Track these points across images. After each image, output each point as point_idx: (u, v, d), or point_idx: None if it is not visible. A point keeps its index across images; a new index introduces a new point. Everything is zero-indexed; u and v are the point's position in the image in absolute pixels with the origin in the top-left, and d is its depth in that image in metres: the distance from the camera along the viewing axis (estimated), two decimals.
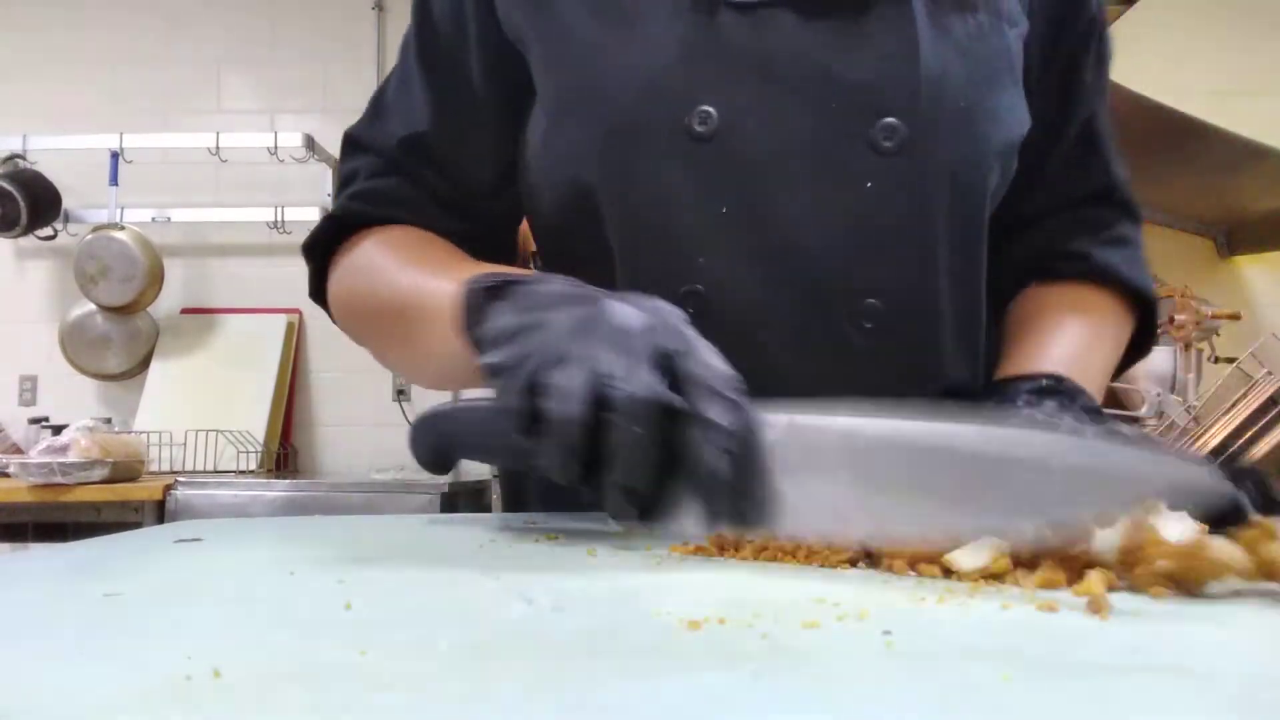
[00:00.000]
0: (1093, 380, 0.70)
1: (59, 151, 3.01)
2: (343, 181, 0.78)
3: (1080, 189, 0.80)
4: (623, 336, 0.47)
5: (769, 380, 0.66)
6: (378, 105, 0.78)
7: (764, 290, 0.66)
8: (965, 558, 0.41)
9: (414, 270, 0.69)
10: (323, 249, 0.77)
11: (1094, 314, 0.78)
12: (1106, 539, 0.39)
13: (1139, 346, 0.81)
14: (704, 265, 0.66)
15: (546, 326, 0.49)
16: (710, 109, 0.65)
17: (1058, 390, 0.65)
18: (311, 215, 3.05)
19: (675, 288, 0.66)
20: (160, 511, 2.41)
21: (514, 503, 0.81)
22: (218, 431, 2.81)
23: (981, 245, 0.73)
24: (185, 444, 2.80)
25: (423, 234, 0.74)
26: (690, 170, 0.66)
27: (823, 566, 0.43)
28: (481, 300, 0.54)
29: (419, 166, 0.75)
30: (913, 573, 0.42)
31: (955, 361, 0.72)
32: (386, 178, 0.75)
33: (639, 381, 0.44)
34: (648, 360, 0.45)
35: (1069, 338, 0.75)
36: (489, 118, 0.74)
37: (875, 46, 0.66)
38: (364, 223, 0.75)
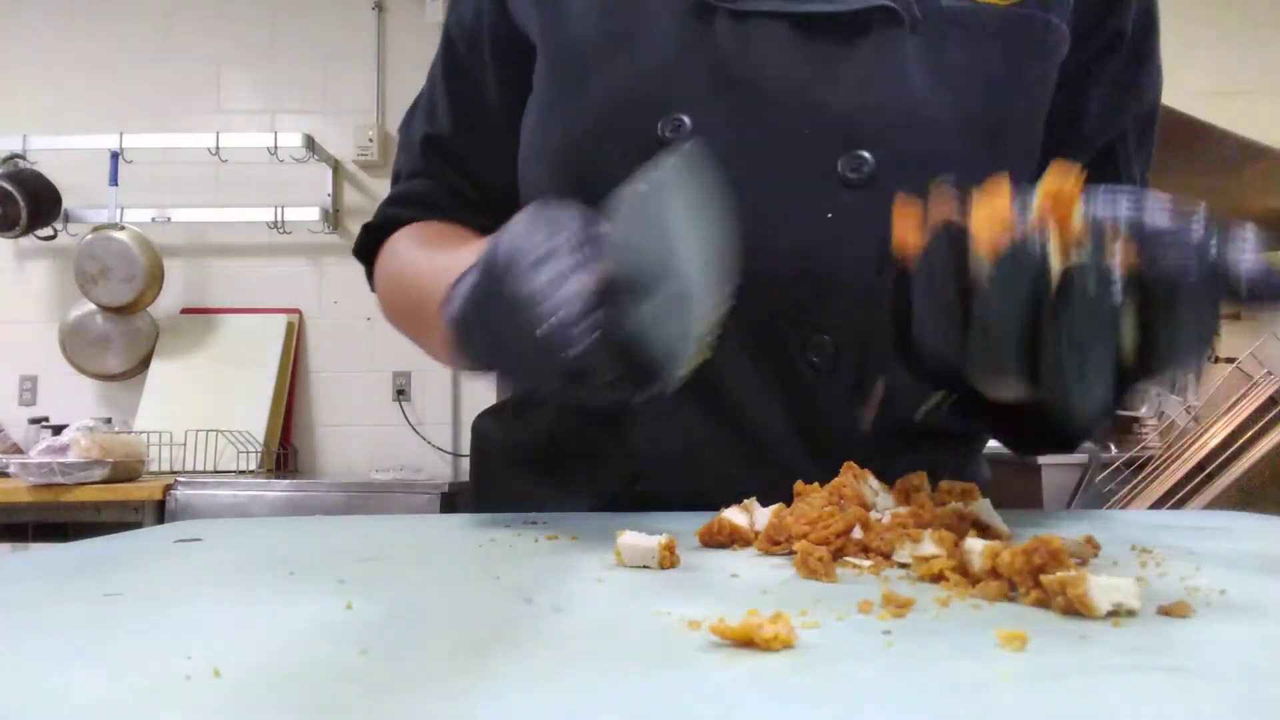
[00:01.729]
0: None
1: (59, 151, 3.01)
2: (393, 178, 0.83)
3: None
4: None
5: (724, 404, 0.66)
6: (416, 103, 0.82)
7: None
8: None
9: (437, 256, 0.70)
10: (367, 253, 0.81)
11: None
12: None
13: None
14: None
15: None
16: (684, 117, 0.64)
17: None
18: (312, 215, 3.06)
19: None
20: (160, 511, 2.41)
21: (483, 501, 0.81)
22: (218, 431, 2.81)
23: None
24: (185, 444, 2.80)
25: (450, 226, 0.77)
26: None
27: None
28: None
29: (441, 167, 0.79)
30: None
31: (907, 406, 0.69)
32: (418, 179, 0.80)
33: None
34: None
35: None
36: (503, 124, 0.75)
37: (860, 74, 0.64)
38: (401, 224, 0.79)
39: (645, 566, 0.42)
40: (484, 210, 0.77)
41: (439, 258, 0.68)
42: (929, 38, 0.64)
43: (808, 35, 0.64)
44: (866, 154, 0.63)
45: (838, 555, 0.44)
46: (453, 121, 0.78)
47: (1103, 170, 0.71)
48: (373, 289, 0.82)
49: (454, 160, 0.79)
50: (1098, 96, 0.71)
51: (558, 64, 0.70)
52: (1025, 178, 0.67)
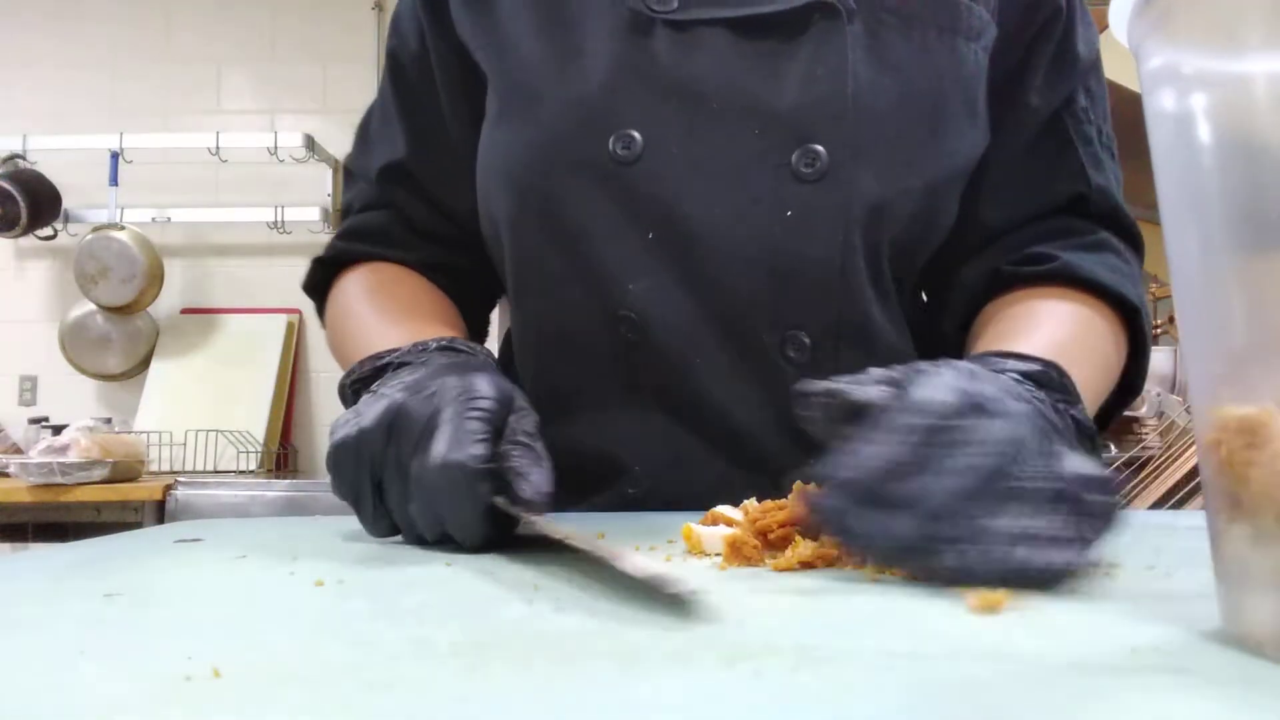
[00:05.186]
0: (1086, 384, 0.56)
1: (59, 151, 3.01)
2: (343, 212, 0.81)
3: (1047, 199, 0.71)
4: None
5: (705, 407, 0.67)
6: (364, 135, 0.80)
7: (693, 319, 0.65)
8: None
9: (370, 321, 0.72)
10: (320, 289, 0.80)
11: (1078, 308, 0.66)
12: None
13: (1129, 383, 0.69)
14: (634, 292, 0.65)
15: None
16: (634, 133, 0.64)
17: (1054, 384, 0.52)
18: (312, 215, 3.06)
19: (609, 312, 0.66)
20: (160, 511, 2.41)
21: None
22: (218, 431, 2.81)
23: (914, 278, 0.72)
24: (185, 444, 2.80)
25: (397, 275, 0.76)
26: (613, 195, 0.65)
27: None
28: (348, 395, 0.61)
29: (400, 195, 0.77)
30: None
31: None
32: (373, 211, 0.78)
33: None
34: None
35: (1054, 324, 0.64)
36: (461, 146, 0.75)
37: (804, 70, 0.64)
38: (352, 259, 0.78)
39: (717, 554, 0.45)
40: (440, 241, 0.77)
41: (373, 321, 0.71)
42: (867, 28, 0.65)
43: (749, 38, 0.64)
44: (819, 147, 0.63)
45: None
46: (411, 147, 0.76)
47: (1052, 137, 0.72)
48: (323, 324, 0.80)
49: (416, 188, 0.77)
50: (1041, 68, 0.71)
51: (504, 85, 0.69)
52: (964, 161, 0.69)
